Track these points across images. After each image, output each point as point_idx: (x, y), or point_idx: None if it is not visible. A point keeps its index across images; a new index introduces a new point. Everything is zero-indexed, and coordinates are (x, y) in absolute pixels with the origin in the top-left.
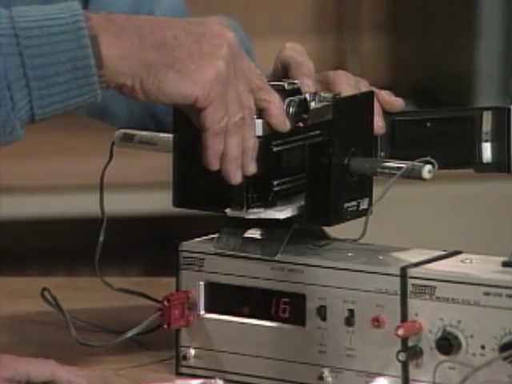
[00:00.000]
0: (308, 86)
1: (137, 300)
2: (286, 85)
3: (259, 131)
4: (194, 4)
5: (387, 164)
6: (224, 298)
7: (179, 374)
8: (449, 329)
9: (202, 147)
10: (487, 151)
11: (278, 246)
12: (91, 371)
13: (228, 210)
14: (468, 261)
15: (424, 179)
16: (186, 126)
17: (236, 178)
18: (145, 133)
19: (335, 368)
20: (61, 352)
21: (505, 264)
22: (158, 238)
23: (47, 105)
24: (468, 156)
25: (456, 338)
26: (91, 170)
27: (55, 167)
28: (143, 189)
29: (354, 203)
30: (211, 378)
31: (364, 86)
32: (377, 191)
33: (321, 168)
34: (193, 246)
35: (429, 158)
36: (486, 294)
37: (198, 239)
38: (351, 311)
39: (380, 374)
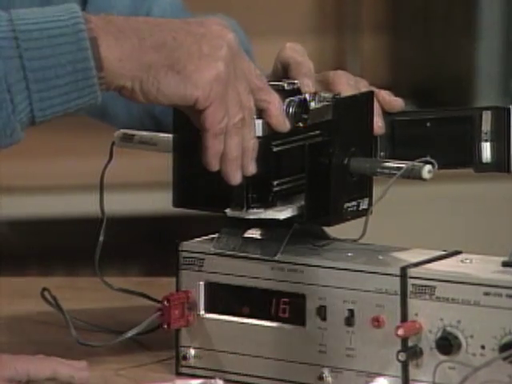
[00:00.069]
0: (308, 85)
1: (137, 300)
2: (285, 85)
3: (259, 131)
4: (193, 4)
5: (387, 164)
6: (224, 297)
7: (179, 374)
8: (449, 329)
9: (202, 148)
10: (487, 151)
11: (278, 246)
12: (91, 371)
13: (228, 210)
14: (468, 261)
15: (424, 179)
16: (185, 126)
17: (236, 178)
18: (144, 133)
19: (335, 368)
20: (61, 352)
21: (505, 264)
22: (158, 238)
23: (47, 107)
24: (467, 156)
25: (456, 338)
26: (91, 170)
27: (55, 167)
28: (143, 189)
29: (354, 203)
30: (211, 378)
31: (364, 86)
32: (377, 191)
33: (321, 168)
34: (193, 245)
35: (428, 158)
36: (486, 294)
37: (198, 239)
38: (351, 311)
39: (380, 374)
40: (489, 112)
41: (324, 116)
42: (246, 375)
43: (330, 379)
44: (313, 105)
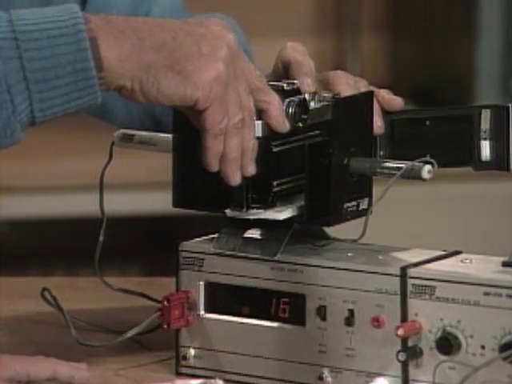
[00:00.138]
0: (308, 85)
1: (137, 300)
2: (285, 85)
3: (259, 132)
4: (193, 4)
5: (387, 164)
6: (224, 298)
7: (179, 374)
8: (449, 329)
9: (202, 148)
10: (486, 149)
11: (278, 246)
12: (91, 371)
13: (228, 211)
14: (468, 261)
15: (424, 179)
16: (185, 126)
17: (235, 179)
18: (144, 133)
19: (335, 368)
20: (61, 352)
21: (505, 264)
22: (158, 238)
23: (47, 108)
24: (467, 154)
25: (456, 338)
26: (91, 170)
27: (55, 167)
28: (143, 189)
29: (353, 203)
30: (211, 378)
31: (363, 86)
32: (377, 191)
33: (321, 168)
34: (193, 245)
35: (428, 158)
36: (486, 294)
37: (198, 239)
38: (351, 311)
39: (380, 374)
40: (488, 110)
41: (324, 116)
42: (246, 375)
43: (329, 379)
44: (312, 105)
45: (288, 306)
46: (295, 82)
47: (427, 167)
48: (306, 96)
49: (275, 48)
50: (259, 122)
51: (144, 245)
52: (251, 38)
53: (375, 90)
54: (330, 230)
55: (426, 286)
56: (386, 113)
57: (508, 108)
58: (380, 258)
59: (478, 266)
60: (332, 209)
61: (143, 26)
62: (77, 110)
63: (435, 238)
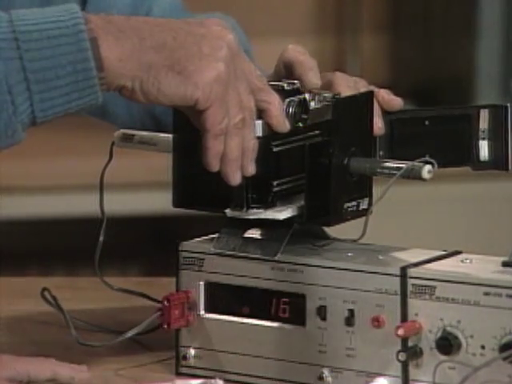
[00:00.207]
0: (313, 80)
1: (137, 300)
2: (285, 85)
3: (259, 132)
4: (193, 3)
5: (387, 164)
6: (224, 297)
7: (179, 374)
8: (449, 329)
9: (203, 148)
10: (484, 149)
11: (278, 246)
12: (91, 371)
13: (228, 211)
14: (468, 261)
15: (424, 179)
16: (185, 126)
17: (235, 178)
18: (144, 133)
19: (335, 368)
20: (61, 352)
21: (505, 264)
22: (158, 238)
23: (48, 108)
24: (465, 154)
25: (456, 338)
26: (91, 170)
27: (55, 167)
28: (143, 189)
29: (353, 203)
30: (211, 378)
31: (363, 86)
32: (377, 191)
33: (321, 168)
34: (193, 245)
35: (428, 158)
36: (486, 294)
37: (198, 239)
38: (351, 311)
39: (380, 374)
40: (486, 110)
41: (324, 116)
42: (246, 375)
43: (329, 379)
44: (312, 105)
45: (288, 306)
46: (295, 81)
47: (427, 167)
48: (307, 96)
49: (275, 48)
50: (259, 121)
51: (144, 245)
52: (251, 38)
53: (375, 89)
54: (330, 230)
55: (426, 286)
56: (385, 113)
57: (506, 108)
58: (380, 257)
59: (478, 265)
60: (332, 209)
61: (144, 25)
62: (77, 110)
63: (435, 237)
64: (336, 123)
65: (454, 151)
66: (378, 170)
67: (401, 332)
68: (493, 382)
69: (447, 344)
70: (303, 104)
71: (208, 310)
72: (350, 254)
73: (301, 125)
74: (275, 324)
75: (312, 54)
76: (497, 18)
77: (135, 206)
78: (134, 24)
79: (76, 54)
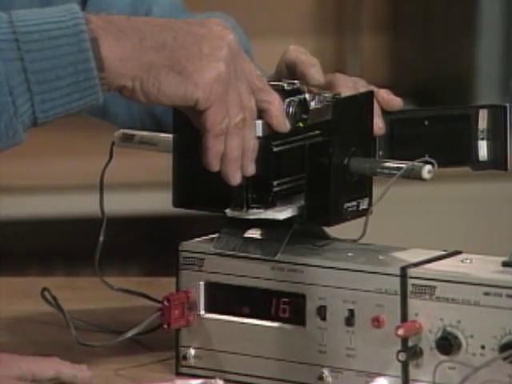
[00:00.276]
0: (316, 76)
1: (137, 300)
2: (285, 85)
3: (259, 132)
4: (193, 3)
5: (387, 164)
6: (224, 298)
7: (179, 374)
8: (449, 329)
9: (203, 148)
10: (484, 149)
11: (278, 246)
12: (91, 371)
13: (228, 210)
14: (468, 261)
15: (424, 179)
16: (185, 126)
17: (235, 178)
18: (145, 133)
19: (335, 368)
20: (61, 352)
21: (505, 264)
22: (158, 238)
23: (49, 109)
24: (465, 154)
25: (456, 338)
26: (91, 170)
27: (55, 167)
28: (143, 189)
29: (353, 203)
30: (211, 378)
31: (362, 86)
32: (377, 191)
33: (321, 168)
34: (193, 245)
35: (428, 158)
36: (486, 294)
37: (198, 239)
38: (351, 311)
39: (380, 374)
40: (485, 110)
41: (324, 116)
42: (246, 375)
43: (330, 379)
44: (313, 105)
45: (288, 306)
46: (295, 81)
47: (427, 167)
48: (307, 96)
49: (275, 48)
50: (259, 121)
51: (144, 245)
52: (251, 38)
53: (375, 89)
54: (330, 230)
55: (426, 285)
56: (384, 113)
57: (505, 107)
58: (380, 257)
59: (478, 265)
60: (332, 209)
61: (144, 25)
62: (78, 110)
63: (435, 237)
64: (336, 123)
65: (453, 151)
66: (378, 170)
67: (401, 332)
68: (493, 382)
69: (447, 344)
70: (303, 104)
71: (208, 309)
72: (350, 254)
73: (301, 125)
74: (275, 324)
75: (312, 54)
76: (497, 18)
77: (135, 205)
78: (135, 24)
79: (77, 55)
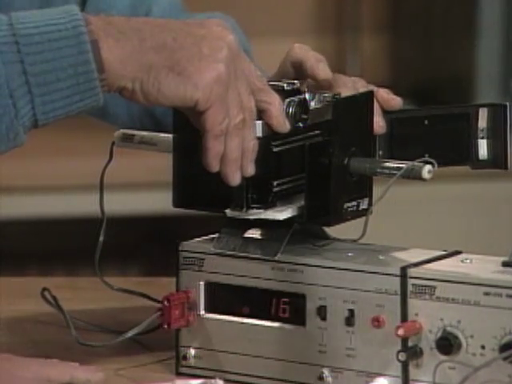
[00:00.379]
0: (325, 70)
1: (137, 300)
2: (285, 85)
3: (259, 132)
4: (193, 3)
5: (387, 164)
6: (224, 297)
7: (179, 374)
8: (449, 329)
9: (203, 149)
10: (483, 148)
11: (278, 246)
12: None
13: (228, 210)
14: (468, 261)
15: (424, 179)
16: (185, 126)
17: (235, 179)
18: (145, 133)
19: (335, 368)
20: (61, 352)
21: (505, 264)
22: (158, 238)
23: (50, 111)
24: (464, 153)
25: (456, 338)
26: (91, 170)
27: (55, 167)
28: (143, 189)
29: (353, 203)
30: (211, 377)
31: (362, 86)
32: (377, 191)
33: (321, 168)
34: (193, 245)
35: (428, 158)
36: (486, 293)
37: (198, 239)
38: (351, 311)
39: (380, 374)
40: (485, 109)
41: (324, 116)
42: (246, 375)
43: (330, 379)
44: (313, 105)
45: (288, 306)
46: (295, 81)
47: (427, 167)
48: (307, 96)
49: (275, 48)
50: (259, 122)
51: (144, 245)
52: (251, 38)
53: (374, 89)
54: (330, 230)
55: (426, 286)
56: (384, 112)
57: (505, 106)
58: (380, 257)
59: (478, 265)
60: (332, 209)
61: (144, 26)
62: (79, 112)
63: (435, 237)
64: (336, 123)
65: (453, 150)
66: (378, 170)
67: (401, 332)
68: (493, 382)
69: (447, 344)
70: (303, 104)
71: (208, 309)
72: (350, 254)
73: (301, 125)
74: (275, 324)
75: None
76: (497, 18)
77: (135, 205)
78: (134, 25)
79: (77, 57)
